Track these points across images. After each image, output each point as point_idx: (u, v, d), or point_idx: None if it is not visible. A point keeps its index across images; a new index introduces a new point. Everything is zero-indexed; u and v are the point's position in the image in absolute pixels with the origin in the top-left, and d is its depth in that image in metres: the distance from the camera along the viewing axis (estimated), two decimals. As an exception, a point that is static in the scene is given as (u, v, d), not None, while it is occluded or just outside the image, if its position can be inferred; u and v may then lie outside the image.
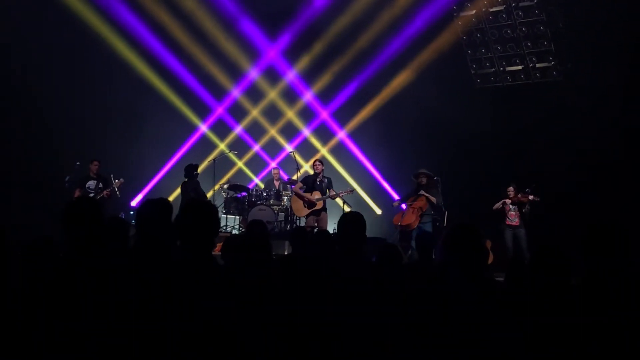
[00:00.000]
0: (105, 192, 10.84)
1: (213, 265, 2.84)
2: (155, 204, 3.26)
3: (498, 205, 10.45)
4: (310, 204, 10.83)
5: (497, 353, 2.60)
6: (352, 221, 3.80)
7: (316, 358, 2.64)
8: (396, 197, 13.33)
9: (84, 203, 3.15)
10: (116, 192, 11.04)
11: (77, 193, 10.80)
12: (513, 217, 10.37)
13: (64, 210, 2.95)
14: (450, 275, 2.95)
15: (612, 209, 9.68)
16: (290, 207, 11.73)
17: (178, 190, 13.84)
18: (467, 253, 2.92)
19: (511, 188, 10.41)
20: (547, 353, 2.62)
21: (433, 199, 10.40)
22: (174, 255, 2.94)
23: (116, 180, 10.95)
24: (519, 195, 10.26)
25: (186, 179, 11.35)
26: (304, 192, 10.93)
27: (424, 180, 10.53)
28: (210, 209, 2.99)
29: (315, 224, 10.76)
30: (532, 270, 3.31)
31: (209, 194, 12.47)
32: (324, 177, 11.04)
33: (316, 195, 10.82)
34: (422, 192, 10.43)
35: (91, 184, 10.92)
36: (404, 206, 10.92)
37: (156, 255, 2.99)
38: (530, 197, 10.15)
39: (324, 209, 10.94)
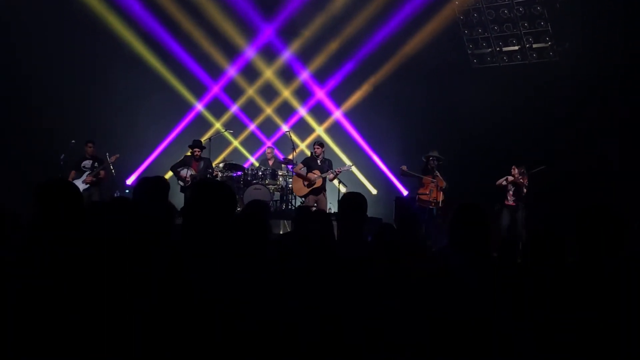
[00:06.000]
0: (101, 172, 10.81)
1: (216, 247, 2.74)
2: (153, 182, 3.23)
3: (501, 181, 10.49)
4: (310, 183, 10.87)
5: (495, 332, 2.63)
6: (352, 201, 3.79)
7: (316, 338, 2.65)
8: (392, 177, 13.39)
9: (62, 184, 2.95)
10: (111, 170, 11.02)
11: (72, 174, 10.78)
12: (510, 198, 10.43)
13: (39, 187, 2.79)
14: (454, 254, 2.96)
15: (608, 190, 9.72)
16: (286, 186, 11.80)
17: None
18: (473, 232, 2.93)
19: (515, 169, 10.43)
20: (541, 332, 2.64)
21: (443, 183, 10.52)
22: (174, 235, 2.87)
23: (112, 156, 10.93)
24: (520, 178, 10.29)
25: None
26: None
27: (434, 163, 10.63)
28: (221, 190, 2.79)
29: (315, 204, 10.79)
30: (527, 252, 3.34)
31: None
32: (324, 159, 11.07)
33: (316, 173, 10.86)
34: (437, 173, 10.53)
35: (87, 163, 10.90)
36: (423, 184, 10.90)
37: (153, 234, 2.96)
38: (526, 181, 10.22)
39: (323, 188, 10.97)
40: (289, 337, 2.48)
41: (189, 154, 11.31)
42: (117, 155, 11.04)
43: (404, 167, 11.08)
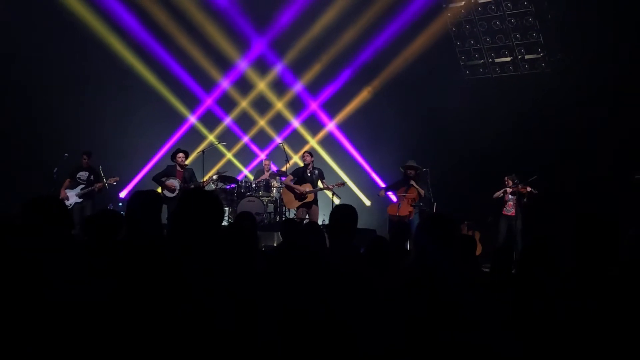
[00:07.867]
0: (97, 185, 10.74)
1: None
2: (146, 196, 3.24)
3: (499, 193, 10.52)
4: (300, 196, 10.82)
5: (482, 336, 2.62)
6: (344, 214, 3.78)
7: (304, 350, 2.64)
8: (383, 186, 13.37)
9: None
10: (106, 187, 10.94)
11: (66, 182, 10.75)
12: (510, 207, 10.46)
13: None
14: (426, 263, 2.96)
15: (602, 200, 9.74)
16: (280, 198, 11.73)
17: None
18: (439, 242, 2.92)
19: (510, 181, 10.46)
20: (535, 339, 2.64)
21: (422, 191, 10.43)
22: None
23: (110, 178, 10.82)
24: (520, 186, 10.32)
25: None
26: (295, 184, 10.92)
27: (412, 172, 10.55)
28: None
29: (306, 216, 10.76)
30: (523, 260, 3.35)
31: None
32: (314, 168, 11.03)
33: (307, 187, 10.80)
34: (412, 182, 10.45)
35: (82, 174, 10.83)
36: (394, 198, 10.90)
37: (147, 247, 2.96)
38: (529, 188, 10.22)
39: (314, 202, 10.92)
40: (278, 345, 2.48)
41: (172, 164, 10.99)
42: (117, 178, 10.91)
43: (381, 193, 11.11)
